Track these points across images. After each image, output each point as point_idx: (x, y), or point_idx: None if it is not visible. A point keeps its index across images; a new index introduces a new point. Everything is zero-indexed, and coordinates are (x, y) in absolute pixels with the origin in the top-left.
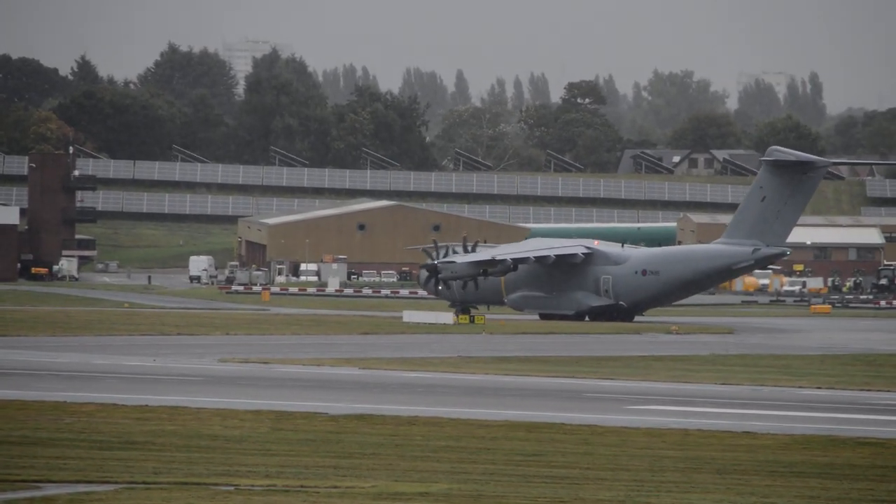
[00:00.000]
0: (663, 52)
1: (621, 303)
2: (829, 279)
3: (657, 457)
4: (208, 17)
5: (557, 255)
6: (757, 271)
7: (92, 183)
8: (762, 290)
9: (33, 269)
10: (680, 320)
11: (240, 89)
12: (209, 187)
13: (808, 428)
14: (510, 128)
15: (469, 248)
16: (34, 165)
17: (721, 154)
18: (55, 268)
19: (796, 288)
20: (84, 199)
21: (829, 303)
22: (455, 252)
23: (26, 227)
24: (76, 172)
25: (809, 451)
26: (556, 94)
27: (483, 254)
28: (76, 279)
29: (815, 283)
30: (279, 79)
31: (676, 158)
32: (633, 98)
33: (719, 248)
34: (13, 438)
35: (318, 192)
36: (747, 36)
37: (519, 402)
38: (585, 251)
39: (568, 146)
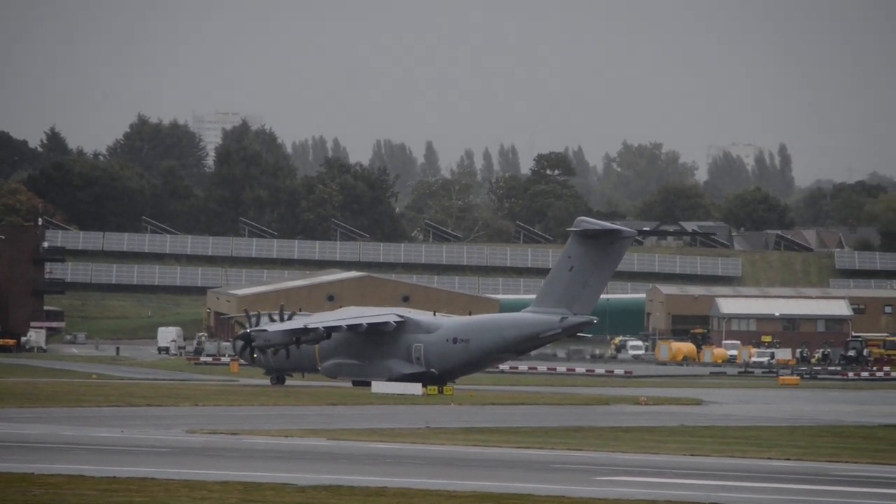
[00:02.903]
0: (633, 124)
1: (433, 370)
2: (798, 350)
3: None
4: (178, 89)
5: (370, 324)
6: (725, 342)
7: (61, 254)
8: (730, 361)
9: (1, 341)
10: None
11: (210, 161)
12: (178, 258)
13: (776, 499)
14: (480, 199)
15: (283, 317)
16: (3, 237)
17: (690, 226)
18: (23, 339)
19: (765, 359)
20: (53, 270)
21: (798, 374)
22: (270, 321)
23: None
24: (45, 244)
25: None
26: (526, 166)
27: (295, 322)
28: (44, 350)
29: (783, 354)
30: (248, 150)
31: (646, 230)
32: (603, 169)
33: (527, 317)
34: None
35: (287, 263)
36: (716, 108)
37: (488, 472)
38: (397, 319)
39: (537, 217)
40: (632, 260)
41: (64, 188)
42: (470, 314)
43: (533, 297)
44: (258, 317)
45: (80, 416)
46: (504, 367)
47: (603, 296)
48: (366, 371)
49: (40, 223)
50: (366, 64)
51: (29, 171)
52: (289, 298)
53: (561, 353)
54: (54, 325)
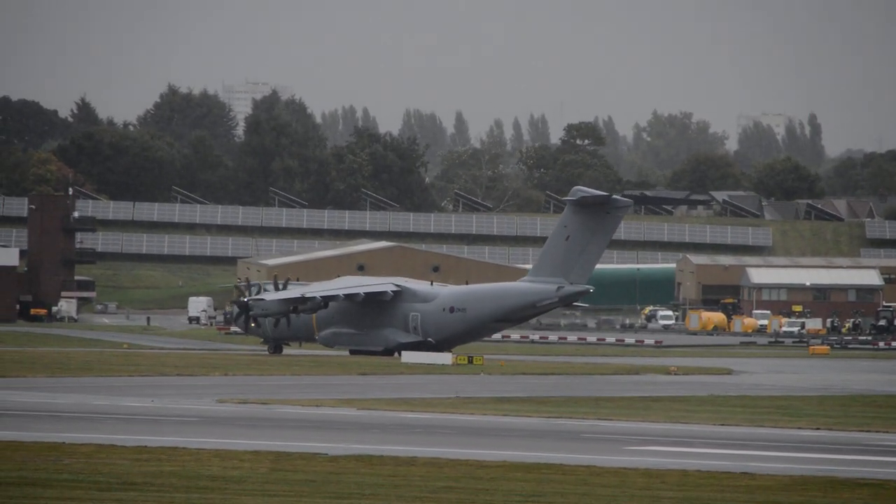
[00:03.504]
0: (663, 94)
1: (430, 339)
2: (828, 320)
3: (656, 497)
4: (208, 59)
5: (367, 293)
6: (756, 311)
7: (91, 224)
8: (761, 330)
9: (32, 311)
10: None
11: (239, 131)
12: (208, 228)
13: (807, 469)
14: (509, 169)
15: (280, 286)
16: (34, 207)
17: (720, 195)
18: (54, 309)
19: (795, 329)
20: (83, 240)
21: (828, 344)
22: (266, 290)
23: (26, 268)
24: (76, 214)
25: (808, 493)
26: (556, 136)
27: (293, 291)
28: (75, 320)
29: (813, 323)
30: (278, 120)
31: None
32: (633, 139)
33: (524, 286)
34: (11, 479)
35: (317, 233)
36: (746, 78)
37: (517, 442)
38: (395, 289)
39: (567, 187)
40: (662, 230)
41: (94, 158)
42: (466, 283)
43: None
44: (255, 286)
45: (111, 386)
46: (534, 336)
47: (633, 266)
48: (363, 340)
49: (71, 193)
50: (395, 34)
51: (59, 141)
52: (319, 268)
53: (591, 323)
54: (85, 294)
